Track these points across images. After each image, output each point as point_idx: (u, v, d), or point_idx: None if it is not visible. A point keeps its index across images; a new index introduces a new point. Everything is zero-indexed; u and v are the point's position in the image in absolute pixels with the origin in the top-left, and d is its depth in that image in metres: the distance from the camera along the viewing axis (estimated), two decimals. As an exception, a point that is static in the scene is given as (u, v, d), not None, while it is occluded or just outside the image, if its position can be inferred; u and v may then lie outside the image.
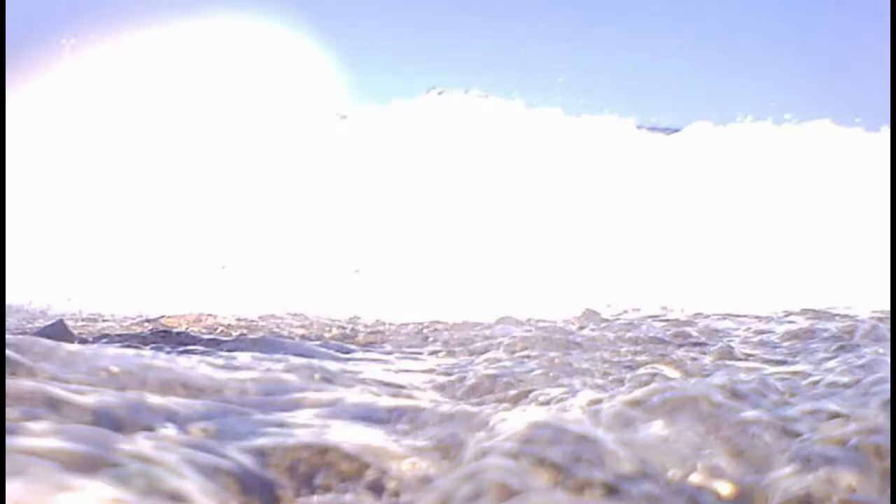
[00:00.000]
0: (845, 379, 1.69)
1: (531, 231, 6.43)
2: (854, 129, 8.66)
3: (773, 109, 9.07)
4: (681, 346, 2.59)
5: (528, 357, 2.19)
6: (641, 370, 1.91)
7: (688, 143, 8.60)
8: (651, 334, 2.75)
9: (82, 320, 3.95)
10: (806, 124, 8.78)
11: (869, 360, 1.95)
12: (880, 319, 2.92)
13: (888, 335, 2.54)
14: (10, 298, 4.58)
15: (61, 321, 3.01)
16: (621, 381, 1.84)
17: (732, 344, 2.53)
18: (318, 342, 2.77)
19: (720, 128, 8.91)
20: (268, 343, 2.51)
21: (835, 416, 1.26)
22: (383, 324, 3.74)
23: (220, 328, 3.54)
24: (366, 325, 3.69)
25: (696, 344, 2.63)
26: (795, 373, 1.86)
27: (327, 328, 3.55)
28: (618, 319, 3.47)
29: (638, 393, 1.34)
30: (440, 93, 8.95)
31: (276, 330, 3.47)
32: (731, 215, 6.85)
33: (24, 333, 2.38)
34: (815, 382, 1.71)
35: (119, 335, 2.91)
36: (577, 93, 9.66)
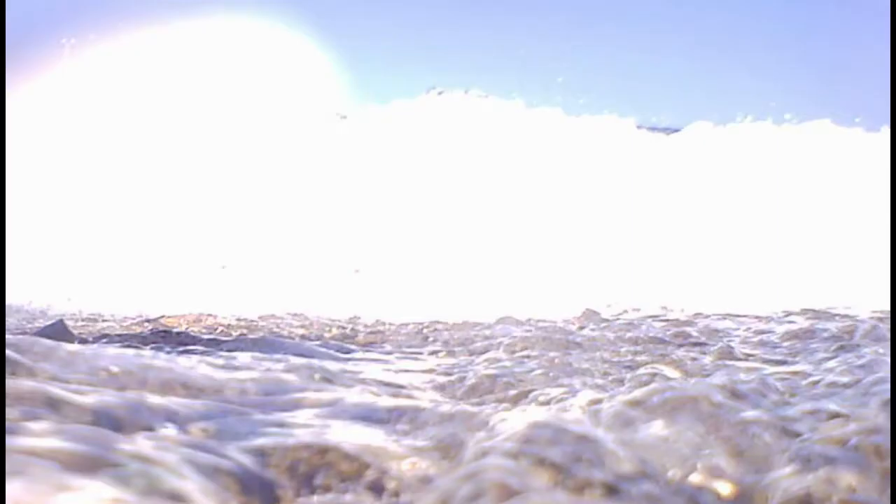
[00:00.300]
0: (845, 379, 1.69)
1: (531, 231, 6.43)
2: (854, 129, 8.66)
3: (773, 109, 9.07)
4: (681, 346, 2.59)
5: (528, 357, 2.19)
6: (641, 370, 1.91)
7: (688, 143, 8.60)
8: (651, 334, 2.75)
9: (82, 320, 3.96)
10: (806, 124, 8.78)
11: (869, 360, 1.95)
12: (880, 319, 2.92)
13: (888, 335, 2.55)
14: (11, 298, 4.58)
15: (61, 321, 3.01)
16: (621, 381, 1.84)
17: (732, 344, 2.53)
18: (318, 342, 2.77)
19: (720, 128, 8.91)
20: (268, 343, 2.52)
21: (835, 416, 1.27)
22: (383, 324, 3.74)
23: (220, 328, 3.54)
24: (366, 325, 3.69)
25: (696, 344, 2.63)
26: (795, 373, 1.86)
27: (327, 328, 3.55)
28: (618, 319, 3.47)
29: (638, 393, 1.34)
30: (440, 93, 8.95)
31: (276, 330, 3.48)
32: (731, 215, 6.84)
33: (25, 333, 2.38)
34: (815, 382, 1.71)
35: (119, 335, 2.91)
36: (577, 93, 9.66)
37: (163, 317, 3.99)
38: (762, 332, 2.89)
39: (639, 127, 9.03)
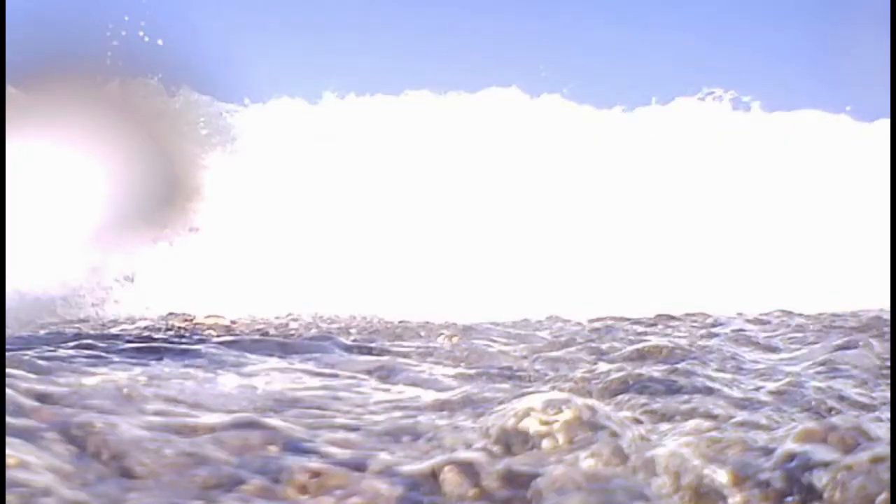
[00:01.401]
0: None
1: (527, 230, 6.34)
2: (846, 120, 8.55)
3: (766, 100, 8.95)
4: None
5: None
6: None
7: (678, 134, 8.45)
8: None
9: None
10: (797, 113, 8.65)
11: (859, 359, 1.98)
12: (878, 317, 2.94)
13: (887, 335, 2.56)
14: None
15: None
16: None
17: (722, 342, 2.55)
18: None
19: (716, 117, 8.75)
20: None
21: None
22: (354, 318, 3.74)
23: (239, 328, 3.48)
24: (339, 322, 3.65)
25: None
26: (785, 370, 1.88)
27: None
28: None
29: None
30: (426, 90, 8.75)
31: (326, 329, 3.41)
32: (723, 210, 6.75)
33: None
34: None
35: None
36: (563, 83, 9.40)
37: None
38: (755, 331, 2.90)
39: (623, 111, 8.79)
